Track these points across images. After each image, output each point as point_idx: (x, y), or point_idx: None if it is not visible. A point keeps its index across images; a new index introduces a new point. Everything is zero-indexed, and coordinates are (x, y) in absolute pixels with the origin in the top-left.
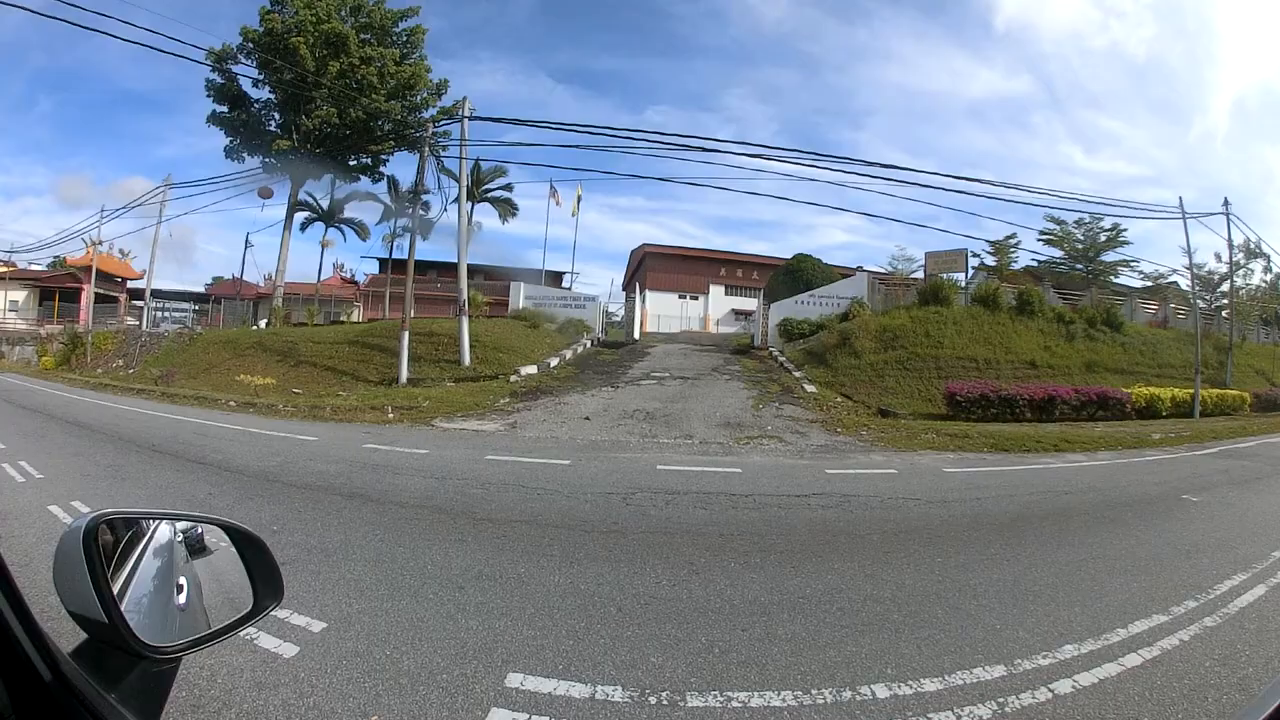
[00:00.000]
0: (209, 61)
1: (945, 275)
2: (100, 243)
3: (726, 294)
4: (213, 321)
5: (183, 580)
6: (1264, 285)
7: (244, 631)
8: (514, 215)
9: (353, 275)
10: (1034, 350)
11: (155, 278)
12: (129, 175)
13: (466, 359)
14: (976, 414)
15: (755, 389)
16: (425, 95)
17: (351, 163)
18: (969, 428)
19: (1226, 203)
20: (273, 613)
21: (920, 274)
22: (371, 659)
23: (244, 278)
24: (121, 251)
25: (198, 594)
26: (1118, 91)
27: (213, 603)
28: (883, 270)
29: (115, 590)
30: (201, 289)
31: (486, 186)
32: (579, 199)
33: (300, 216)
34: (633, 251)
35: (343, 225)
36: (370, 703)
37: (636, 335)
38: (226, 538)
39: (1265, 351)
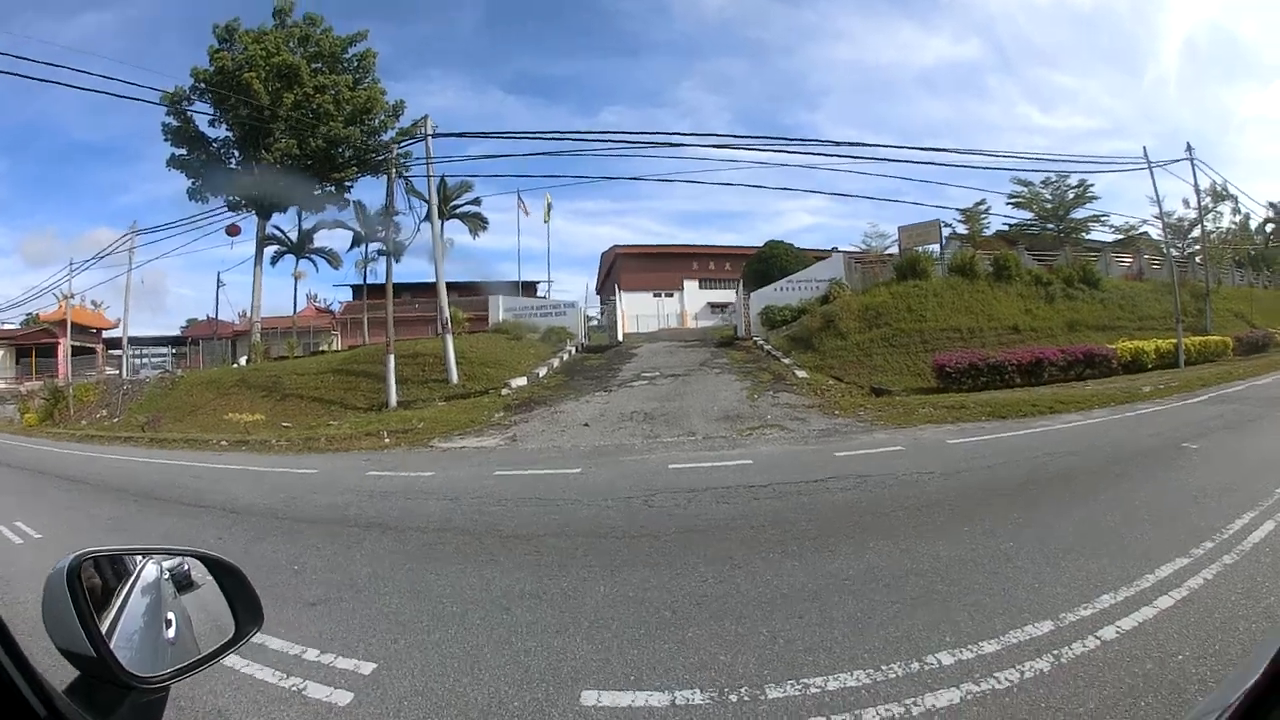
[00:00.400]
0: (163, 103)
1: (920, 248)
2: (72, 296)
3: (701, 288)
4: (192, 363)
5: (171, 615)
6: (1234, 227)
7: (228, 658)
8: (484, 229)
9: (327, 304)
10: (1015, 314)
11: (130, 325)
12: (93, 227)
13: (454, 377)
14: (967, 384)
15: (747, 380)
16: (383, 118)
17: (316, 192)
18: (964, 398)
19: (1189, 148)
20: (254, 638)
21: (894, 249)
22: (434, 696)
23: (219, 317)
24: (94, 303)
25: (187, 626)
26: (1068, 45)
27: (203, 631)
28: (857, 249)
29: (105, 627)
30: (177, 332)
31: (455, 203)
32: (549, 206)
33: (270, 250)
34: (603, 254)
35: (313, 256)
36: None
37: (620, 337)
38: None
39: (1242, 294)
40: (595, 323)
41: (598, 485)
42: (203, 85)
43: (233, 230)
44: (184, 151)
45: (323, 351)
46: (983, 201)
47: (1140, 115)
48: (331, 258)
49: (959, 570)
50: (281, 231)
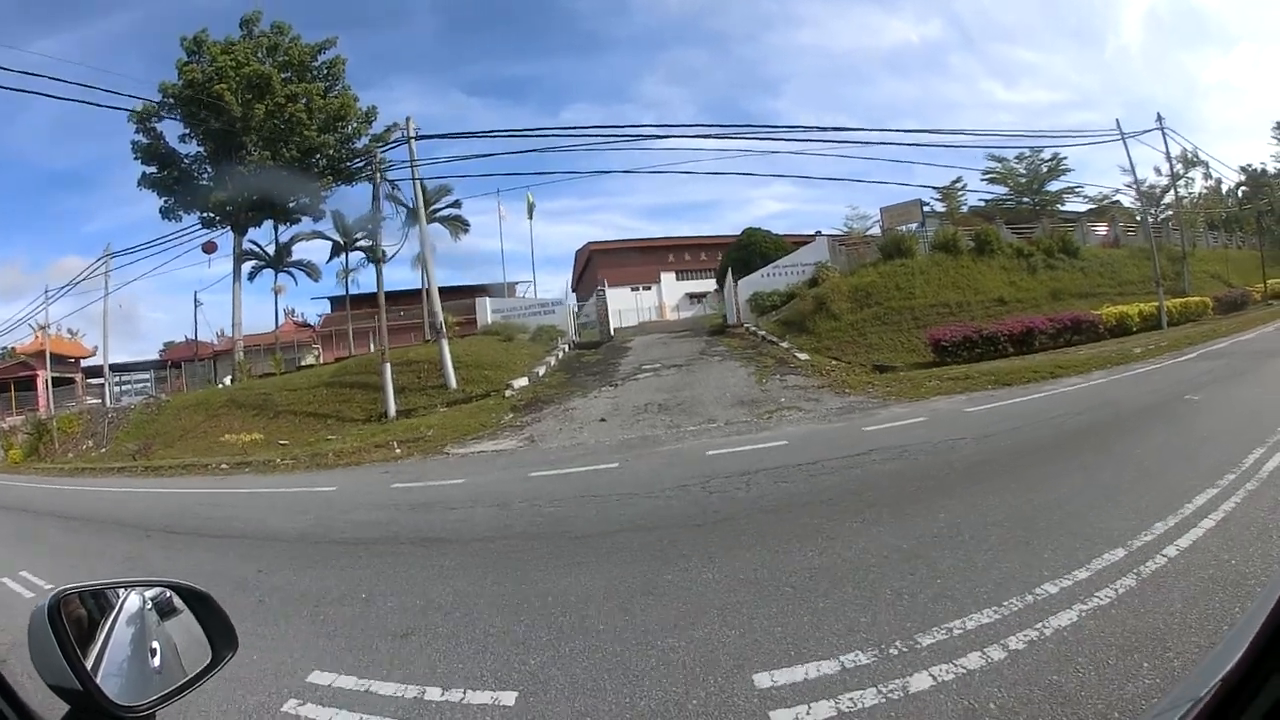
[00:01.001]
0: (132, 121)
1: (902, 228)
2: (47, 326)
3: (678, 279)
4: (174, 387)
5: (156, 644)
6: (1206, 191)
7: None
8: (466, 232)
9: (304, 318)
10: (1000, 287)
11: (110, 351)
12: (63, 256)
13: (452, 382)
14: (962, 356)
15: (751, 365)
16: (356, 124)
17: (290, 204)
18: (967, 369)
19: (1160, 118)
20: (230, 661)
21: (875, 230)
22: (603, 713)
23: (198, 338)
24: (70, 331)
25: (173, 654)
26: (1029, 20)
27: (192, 655)
28: (840, 232)
29: (91, 660)
30: (155, 356)
31: (435, 206)
32: (531, 205)
33: (248, 266)
34: (578, 252)
35: (291, 269)
36: None
37: (612, 331)
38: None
39: (1217, 255)
40: (585, 319)
41: (644, 477)
42: (171, 100)
43: (209, 247)
44: (155, 169)
45: (310, 366)
46: (959, 179)
47: (1104, 86)
48: (310, 270)
49: (1031, 517)
50: (259, 246)
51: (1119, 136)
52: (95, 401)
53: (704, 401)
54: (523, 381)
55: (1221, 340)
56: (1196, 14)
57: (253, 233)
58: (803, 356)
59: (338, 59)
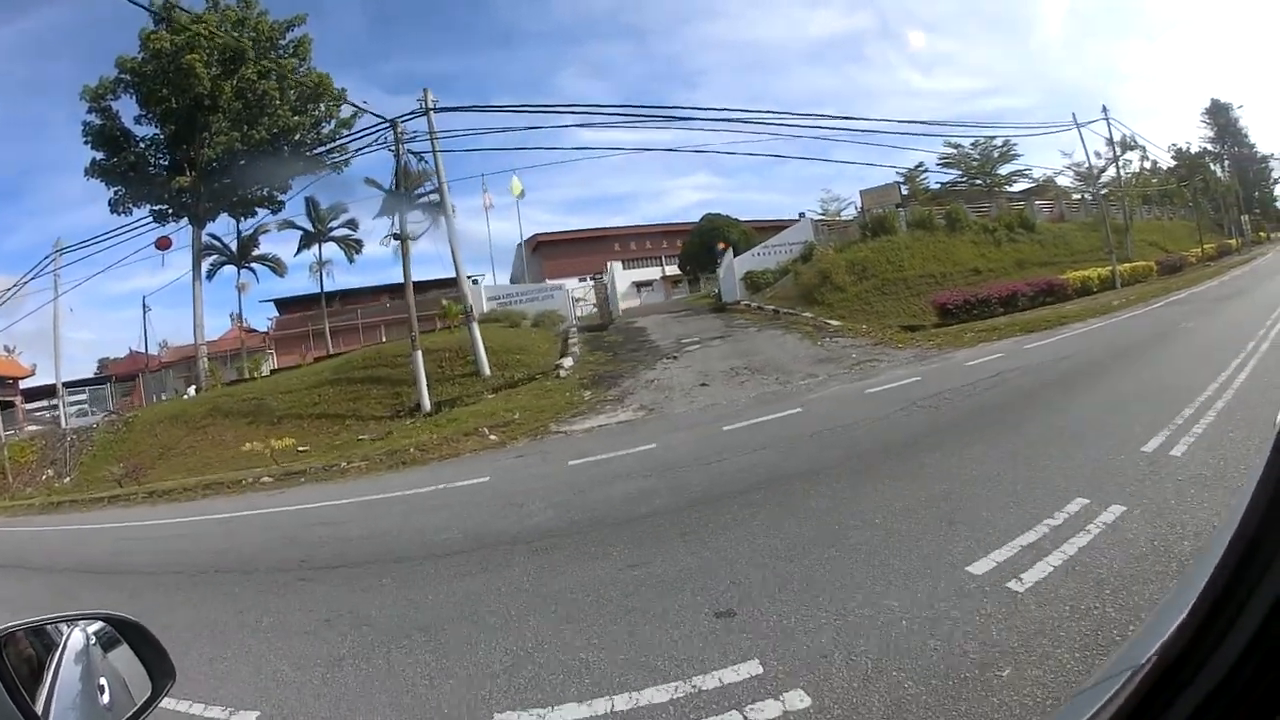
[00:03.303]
0: (85, 99)
1: (879, 209)
2: None
3: (625, 268)
4: (130, 403)
5: (103, 680)
6: (1143, 171)
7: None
8: (453, 216)
9: (248, 324)
10: (973, 259)
11: (43, 369)
12: None
13: (485, 368)
14: (962, 317)
15: (791, 333)
16: (328, 106)
17: (261, 191)
18: (988, 323)
19: (1105, 109)
20: (170, 691)
21: (850, 211)
22: None
23: (147, 349)
24: (6, 348)
25: (121, 688)
26: (950, 11)
27: (139, 687)
28: (816, 213)
29: (40, 703)
30: (91, 374)
31: (418, 190)
32: (521, 190)
33: (208, 263)
34: (521, 244)
35: (253, 265)
36: None
37: (619, 313)
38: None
39: (1154, 226)
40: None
41: (849, 411)
42: (129, 76)
43: (163, 243)
44: (103, 156)
45: (298, 366)
46: (920, 164)
47: (1023, 73)
48: (276, 264)
49: (1147, 387)
50: (219, 240)
51: (1073, 126)
52: (35, 429)
53: (783, 362)
54: (568, 362)
55: (1179, 293)
56: (1118, 4)
57: (211, 227)
58: (835, 323)
59: (305, 38)
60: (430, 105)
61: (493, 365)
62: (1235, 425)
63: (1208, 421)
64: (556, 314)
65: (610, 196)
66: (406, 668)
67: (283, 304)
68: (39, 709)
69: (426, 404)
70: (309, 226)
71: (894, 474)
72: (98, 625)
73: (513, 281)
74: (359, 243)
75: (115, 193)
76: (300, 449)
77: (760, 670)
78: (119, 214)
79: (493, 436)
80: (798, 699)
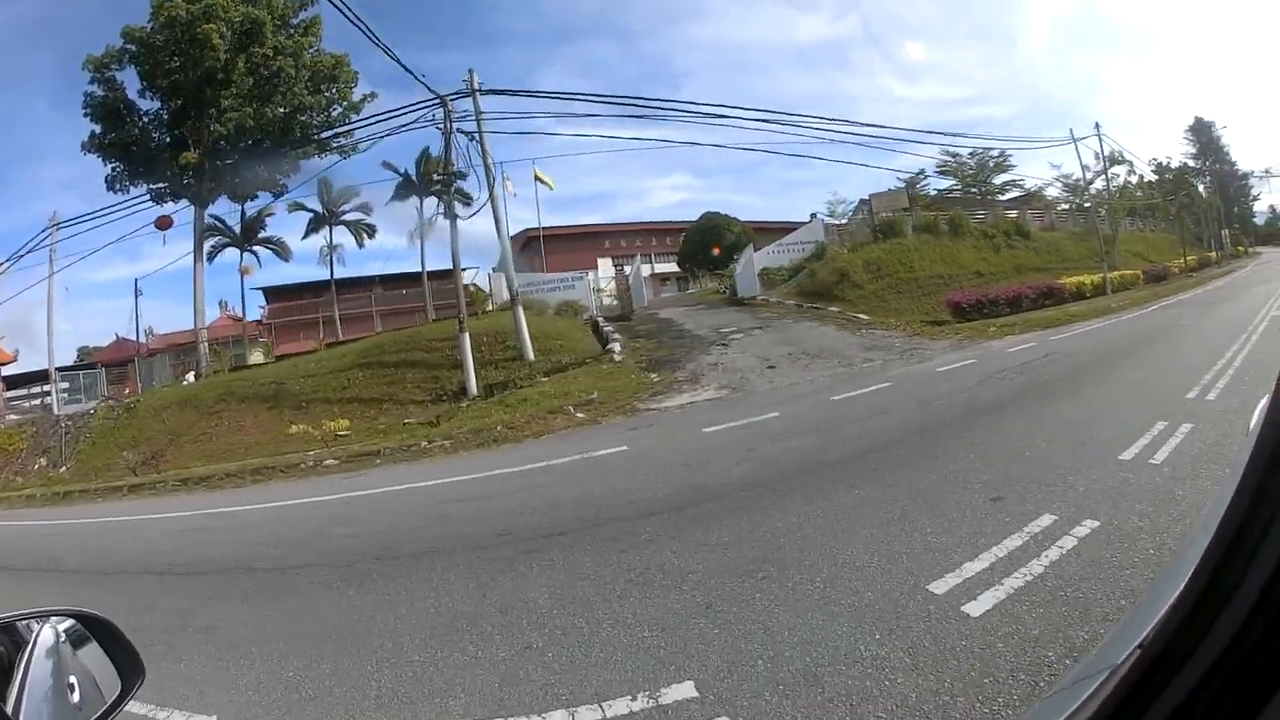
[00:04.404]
0: (88, 69)
1: (887, 213)
2: None
3: (613, 265)
4: (124, 390)
5: (73, 678)
6: (1130, 185)
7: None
8: (468, 204)
9: (234, 311)
10: (976, 262)
11: (19, 359)
12: None
13: (530, 353)
14: (974, 316)
15: (827, 324)
16: (340, 88)
17: (273, 170)
18: (1005, 320)
19: (1098, 125)
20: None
21: (852, 214)
22: None
23: (138, 334)
24: None
25: (92, 687)
26: (933, 20)
27: (109, 685)
28: (825, 215)
29: (10, 703)
30: (68, 364)
31: (438, 176)
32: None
33: (207, 245)
34: (508, 238)
35: (255, 249)
36: None
37: (644, 303)
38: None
39: (1138, 238)
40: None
41: (940, 386)
42: (134, 47)
43: (164, 222)
44: (99, 129)
45: (309, 350)
46: (922, 171)
47: (1006, 82)
48: (280, 248)
49: (1161, 370)
50: (222, 222)
51: (1071, 141)
52: (15, 418)
53: (835, 349)
54: (616, 347)
55: (1168, 299)
56: (1102, 20)
57: (210, 210)
58: (864, 317)
59: (317, 19)
60: (475, 87)
61: (537, 350)
62: (1244, 384)
63: (1222, 384)
64: (578, 304)
65: (591, 194)
66: (843, 595)
67: (271, 292)
68: (9, 707)
69: (473, 388)
70: (319, 209)
71: (1024, 415)
72: (68, 623)
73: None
74: (371, 227)
75: (113, 169)
76: (340, 434)
77: (1052, 519)
78: (115, 191)
79: (580, 414)
80: (1085, 529)
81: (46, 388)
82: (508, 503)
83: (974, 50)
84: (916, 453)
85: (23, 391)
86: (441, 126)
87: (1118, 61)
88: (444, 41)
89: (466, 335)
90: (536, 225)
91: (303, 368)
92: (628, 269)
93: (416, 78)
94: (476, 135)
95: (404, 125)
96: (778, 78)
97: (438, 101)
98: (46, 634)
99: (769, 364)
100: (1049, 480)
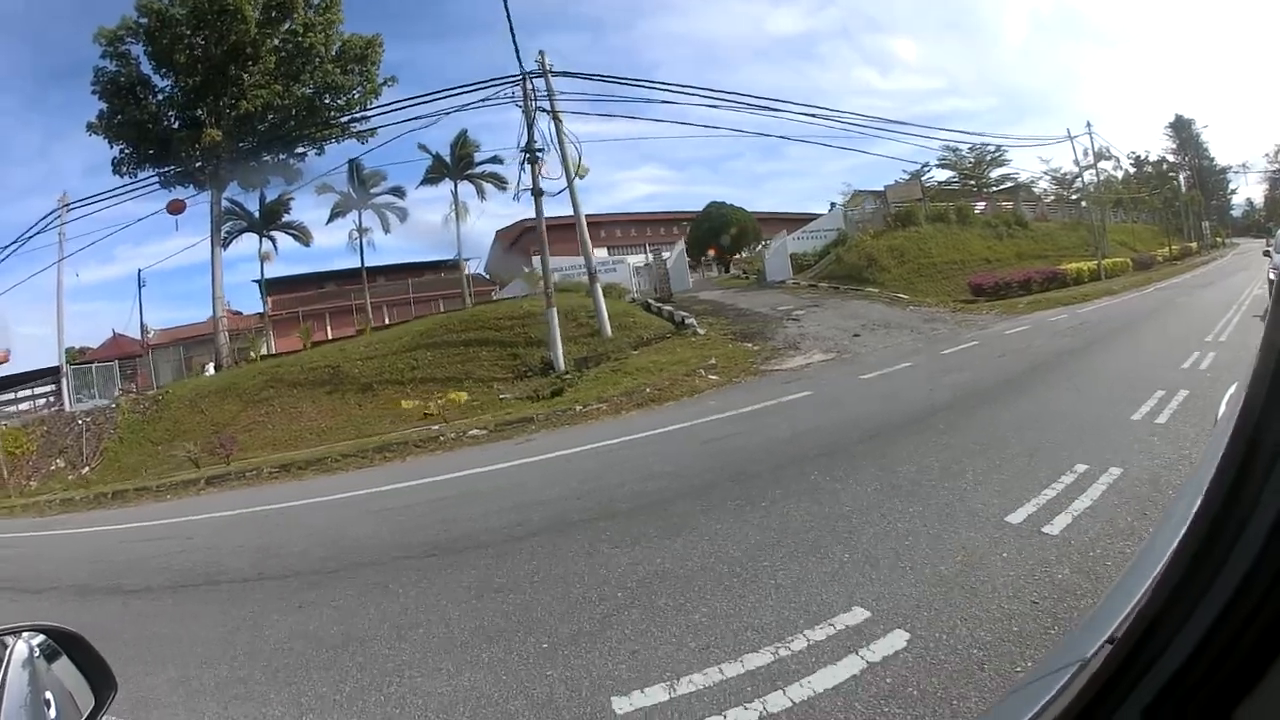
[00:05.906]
0: (100, 42)
1: (900, 203)
2: None
3: (609, 255)
4: (139, 384)
5: (49, 694)
6: (1116, 179)
7: None
8: (503, 188)
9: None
10: (983, 250)
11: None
12: None
13: (608, 329)
14: (993, 296)
15: (874, 302)
16: (369, 68)
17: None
18: (1030, 298)
19: (1089, 125)
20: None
21: (868, 204)
22: None
23: (143, 329)
24: None
25: (68, 701)
26: (908, 13)
27: (84, 699)
28: (842, 203)
29: None
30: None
31: (467, 161)
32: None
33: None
34: (499, 231)
35: (273, 234)
36: None
37: (688, 285)
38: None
39: (1124, 229)
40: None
41: (1019, 342)
42: (149, 20)
43: (176, 207)
44: (105, 107)
45: (320, 342)
46: (926, 165)
47: (979, 76)
48: (301, 233)
49: (1177, 330)
50: (240, 206)
51: (1068, 139)
52: (6, 423)
53: (899, 320)
54: (694, 322)
55: (1161, 283)
56: (1076, 15)
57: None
58: (904, 296)
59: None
60: (547, 68)
61: (614, 327)
62: (1240, 341)
63: (1224, 338)
64: (620, 286)
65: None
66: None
67: (277, 283)
68: None
69: (560, 363)
70: (351, 191)
71: (1107, 349)
72: (41, 637)
73: (487, 270)
74: (403, 210)
75: (121, 150)
76: (427, 412)
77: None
78: (122, 175)
79: (712, 376)
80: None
81: (40, 389)
82: (773, 433)
83: (951, 43)
84: (1043, 377)
85: (10, 395)
86: (521, 105)
87: (1092, 54)
88: (417, 30)
89: (555, 310)
90: (533, 217)
91: (351, 352)
92: (665, 253)
93: (517, 46)
94: (550, 115)
95: (481, 100)
96: (750, 71)
97: (517, 80)
98: (20, 649)
99: (853, 333)
100: (1159, 378)
